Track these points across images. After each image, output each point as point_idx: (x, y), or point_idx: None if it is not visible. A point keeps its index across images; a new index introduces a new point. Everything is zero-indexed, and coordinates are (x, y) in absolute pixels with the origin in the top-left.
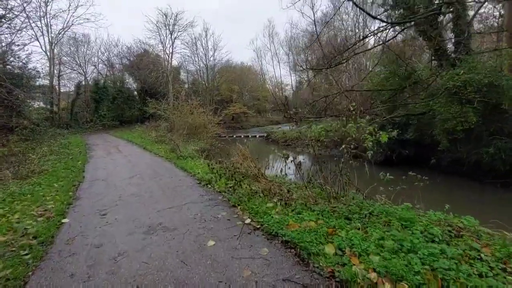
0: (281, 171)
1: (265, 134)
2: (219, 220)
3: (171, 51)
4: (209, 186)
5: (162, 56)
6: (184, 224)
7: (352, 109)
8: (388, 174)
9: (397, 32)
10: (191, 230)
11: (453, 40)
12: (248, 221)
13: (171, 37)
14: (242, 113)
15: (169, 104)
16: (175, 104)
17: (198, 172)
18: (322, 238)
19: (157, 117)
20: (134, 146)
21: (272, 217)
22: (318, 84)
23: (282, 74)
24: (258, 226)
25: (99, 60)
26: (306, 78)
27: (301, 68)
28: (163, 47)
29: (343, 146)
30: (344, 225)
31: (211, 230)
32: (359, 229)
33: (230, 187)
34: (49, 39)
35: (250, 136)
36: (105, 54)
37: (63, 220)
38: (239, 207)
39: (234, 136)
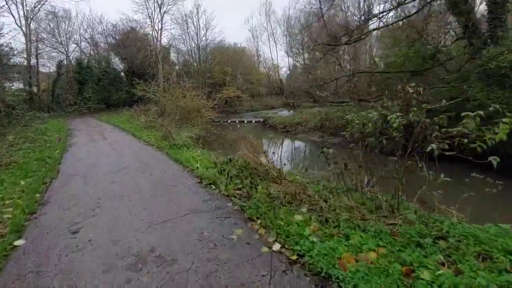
0: (304, 168)
1: (262, 119)
2: (234, 245)
3: (160, 27)
4: (213, 187)
5: (151, 33)
6: (186, 252)
7: (411, 91)
8: (442, 174)
9: (421, 6)
10: (196, 263)
11: (486, 16)
12: (277, 247)
13: (160, 10)
14: (235, 97)
15: (159, 86)
16: (166, 87)
17: (197, 167)
18: (399, 285)
19: (146, 101)
20: (122, 132)
21: (312, 242)
22: (314, 68)
23: (279, 56)
24: (295, 258)
25: (82, 37)
26: (301, 62)
27: (298, 51)
28: (151, 22)
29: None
30: (421, 258)
31: (226, 264)
32: (443, 264)
33: (240, 188)
34: (24, 12)
35: (245, 121)
36: (88, 31)
37: (17, 242)
38: (258, 221)
39: (229, 121)
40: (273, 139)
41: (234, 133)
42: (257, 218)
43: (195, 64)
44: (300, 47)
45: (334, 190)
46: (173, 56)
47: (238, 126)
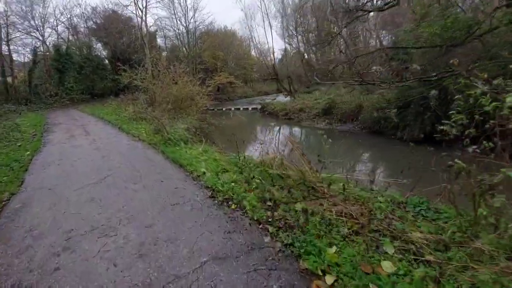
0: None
1: (259, 106)
2: None
3: (144, 4)
4: (232, 205)
5: (135, 13)
6: None
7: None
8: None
9: None
10: None
11: None
12: None
13: None
14: (228, 83)
15: (147, 72)
16: (155, 72)
17: (203, 171)
18: None
19: (134, 89)
20: (107, 126)
21: None
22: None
23: (274, 39)
24: None
25: (58, 21)
26: (295, 44)
27: (292, 33)
28: (134, 1)
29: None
30: None
31: None
32: None
33: (270, 207)
34: None
35: (241, 108)
36: (65, 13)
37: None
38: (327, 277)
39: (223, 109)
40: (276, 128)
41: (233, 121)
42: (324, 272)
43: (184, 49)
44: (295, 28)
45: (404, 205)
46: (160, 41)
47: (232, 114)
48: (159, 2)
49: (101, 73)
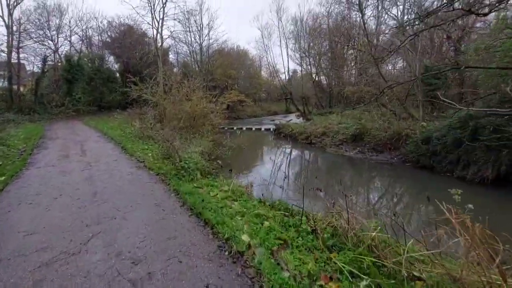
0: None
1: (274, 127)
2: None
3: (161, 16)
4: None
5: (151, 27)
6: None
7: None
8: None
9: None
10: None
11: None
12: None
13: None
14: (238, 102)
15: (158, 86)
16: (168, 86)
17: (247, 244)
18: None
19: (143, 103)
20: (109, 144)
21: None
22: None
23: (288, 59)
24: None
25: (73, 32)
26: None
27: (304, 54)
28: (151, 9)
29: None
30: None
31: None
32: None
33: None
34: (7, 1)
35: (253, 129)
36: (79, 25)
37: None
38: None
39: (234, 128)
40: (298, 154)
41: (248, 142)
42: None
43: (197, 65)
44: (307, 50)
45: None
46: (172, 57)
47: (240, 133)
48: (175, 15)
49: (111, 85)
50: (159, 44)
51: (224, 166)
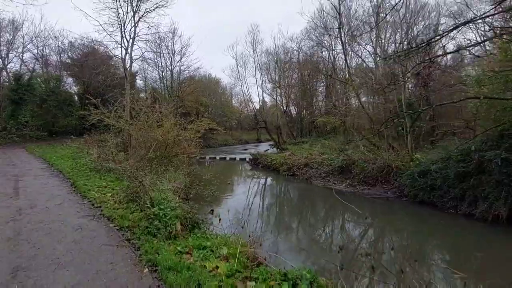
0: None
1: (250, 157)
2: None
3: (132, 36)
4: None
5: (119, 46)
6: None
7: None
8: None
9: None
10: None
11: None
12: None
13: (133, 16)
14: (209, 130)
15: (124, 109)
16: (135, 111)
17: None
18: None
19: (103, 129)
20: (54, 179)
21: None
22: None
23: (265, 87)
24: None
25: (25, 49)
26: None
27: (276, 85)
28: (121, 30)
29: None
30: None
31: None
32: None
33: None
34: None
35: (228, 158)
36: (35, 42)
37: None
38: None
39: (207, 158)
40: (285, 189)
41: (225, 175)
42: None
43: (167, 91)
44: (278, 82)
45: None
46: (139, 83)
47: (211, 164)
48: (148, 36)
49: (67, 109)
50: (128, 63)
51: (202, 203)
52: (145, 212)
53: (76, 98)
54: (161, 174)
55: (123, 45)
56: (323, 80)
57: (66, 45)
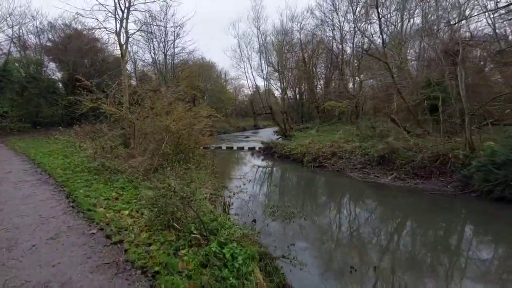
0: None
1: (261, 146)
2: None
3: (127, 5)
4: None
5: (113, 18)
6: None
7: None
8: None
9: None
10: None
11: None
12: None
13: None
14: (208, 117)
15: (123, 95)
16: (138, 96)
17: None
18: None
19: (94, 118)
20: (43, 187)
21: None
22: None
23: (267, 71)
24: None
25: None
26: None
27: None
28: (115, 6)
29: None
30: None
31: None
32: None
33: None
34: None
35: (235, 148)
36: (9, 21)
37: None
38: None
39: (211, 147)
40: (326, 186)
41: (241, 170)
42: None
43: (160, 75)
44: (281, 66)
45: None
46: (128, 67)
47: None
48: (146, 5)
49: (51, 97)
50: (124, 41)
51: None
52: (197, 252)
53: (61, 85)
54: (183, 174)
55: (117, 16)
56: (323, 63)
57: (46, 25)
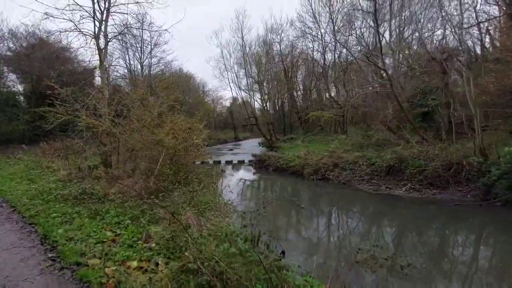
0: None
1: (252, 159)
2: None
3: (106, 6)
4: None
5: (91, 16)
6: None
7: None
8: None
9: None
10: None
11: None
12: None
13: None
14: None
15: (102, 104)
16: (126, 105)
17: None
18: None
19: (66, 132)
20: (2, 230)
21: None
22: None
23: (249, 82)
24: None
25: None
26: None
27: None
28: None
29: None
30: None
31: None
32: None
33: None
34: None
35: (223, 163)
36: None
37: None
38: None
39: (198, 162)
40: (342, 203)
41: (236, 186)
42: None
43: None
44: (259, 76)
45: None
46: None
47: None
48: (127, 5)
49: (10, 111)
50: (102, 43)
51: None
52: None
53: (22, 98)
54: (188, 202)
55: (96, 17)
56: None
57: (6, 33)
